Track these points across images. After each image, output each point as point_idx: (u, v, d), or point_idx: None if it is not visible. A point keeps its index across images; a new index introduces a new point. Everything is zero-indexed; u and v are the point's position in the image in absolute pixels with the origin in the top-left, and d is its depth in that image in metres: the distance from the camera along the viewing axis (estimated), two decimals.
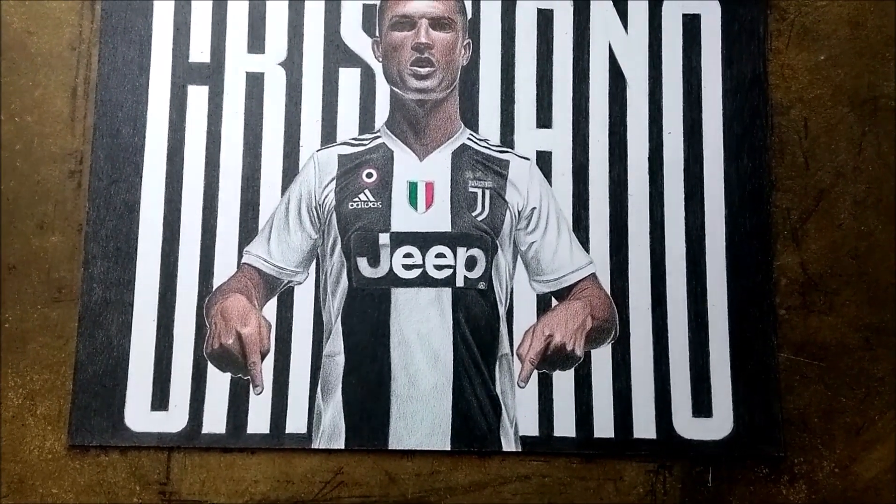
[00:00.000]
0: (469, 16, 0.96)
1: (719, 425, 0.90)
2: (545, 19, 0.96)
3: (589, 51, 0.96)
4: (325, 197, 0.93)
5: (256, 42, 0.95)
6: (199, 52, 0.94)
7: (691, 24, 0.96)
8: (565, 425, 0.90)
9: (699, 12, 0.96)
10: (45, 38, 0.94)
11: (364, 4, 0.95)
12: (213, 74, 0.94)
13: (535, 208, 0.93)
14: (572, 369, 0.90)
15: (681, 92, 0.95)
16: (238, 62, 0.94)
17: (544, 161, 0.94)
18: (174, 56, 0.94)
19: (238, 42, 0.94)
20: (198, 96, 0.94)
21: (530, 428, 0.89)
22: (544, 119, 0.95)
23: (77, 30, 0.94)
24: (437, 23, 0.94)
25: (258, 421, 0.88)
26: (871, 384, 0.92)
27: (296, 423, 0.89)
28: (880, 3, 0.97)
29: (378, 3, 0.95)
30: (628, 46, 0.96)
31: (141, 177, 0.92)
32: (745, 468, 0.90)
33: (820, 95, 0.96)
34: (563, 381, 0.90)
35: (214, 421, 0.88)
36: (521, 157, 0.94)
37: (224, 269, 0.91)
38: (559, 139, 0.94)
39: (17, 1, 0.94)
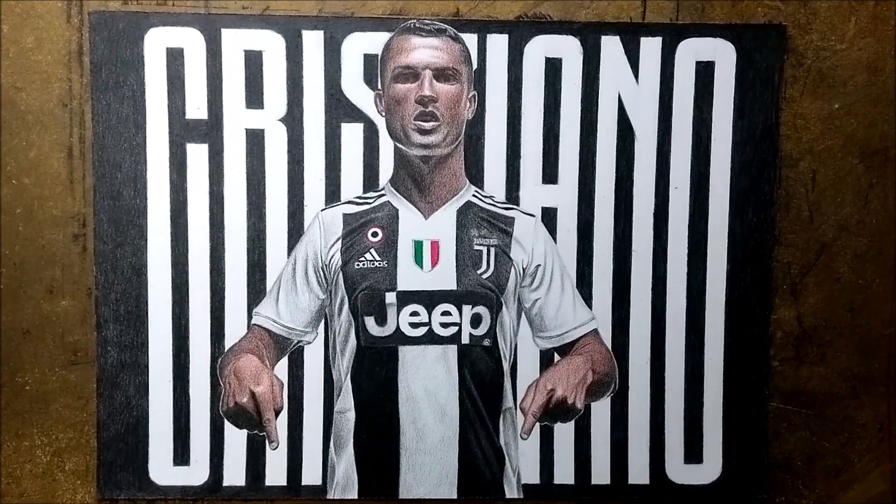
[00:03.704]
0: (475, 66, 0.92)
1: (708, 470, 0.96)
2: (553, 69, 0.92)
3: (597, 102, 0.93)
4: (332, 257, 0.93)
5: (255, 97, 0.91)
6: (196, 107, 0.91)
7: (704, 73, 0.93)
8: (565, 473, 0.95)
9: (713, 59, 0.93)
10: (34, 95, 0.90)
11: (365, 54, 0.91)
12: (211, 131, 0.91)
13: (539, 266, 0.94)
14: (573, 421, 0.95)
15: (690, 145, 0.94)
16: (237, 118, 0.91)
17: (549, 217, 0.94)
18: (170, 112, 0.91)
19: (236, 97, 0.91)
20: (197, 155, 0.92)
21: (532, 476, 0.95)
22: (550, 174, 0.94)
23: (67, 85, 0.90)
24: (441, 74, 0.90)
25: (275, 474, 0.94)
26: (854, 429, 0.97)
27: (311, 475, 0.94)
28: None
29: (380, 53, 0.91)
30: (638, 97, 0.93)
31: (146, 240, 0.92)
32: None
33: (831, 146, 0.95)
34: (564, 433, 0.95)
35: (234, 474, 0.94)
36: (527, 214, 0.94)
37: (234, 329, 0.93)
38: (565, 195, 0.94)
39: (2, 53, 0.90)
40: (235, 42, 0.90)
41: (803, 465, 0.97)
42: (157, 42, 0.90)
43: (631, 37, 0.92)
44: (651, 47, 0.92)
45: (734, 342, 0.95)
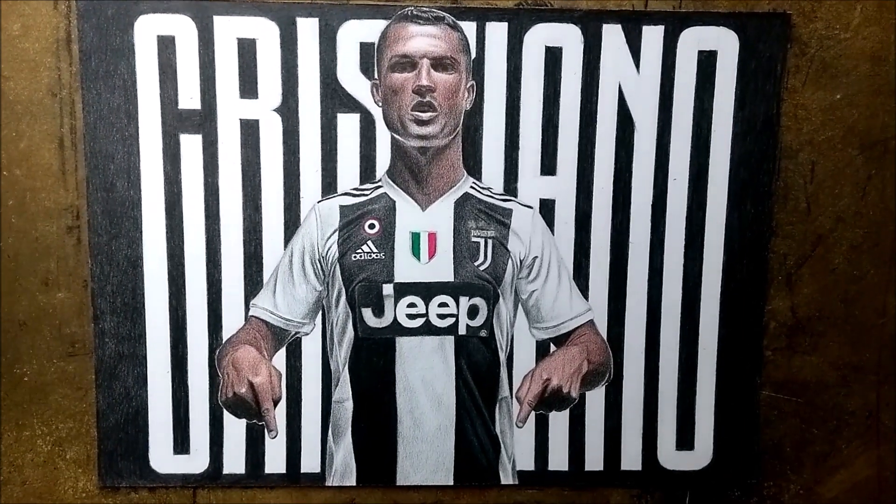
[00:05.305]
0: (473, 55, 0.90)
1: (699, 457, 0.98)
2: (553, 58, 0.91)
3: (598, 93, 0.91)
4: (328, 249, 0.93)
5: (249, 86, 0.89)
6: (189, 97, 0.89)
7: (706, 62, 0.91)
8: (559, 460, 0.97)
9: (716, 48, 0.91)
10: (22, 84, 0.88)
11: (361, 43, 0.89)
12: (205, 122, 0.90)
13: (536, 257, 0.94)
14: (567, 409, 0.96)
15: (690, 136, 0.93)
16: (231, 108, 0.90)
17: (547, 209, 0.94)
18: (162, 102, 0.89)
19: (229, 86, 0.89)
20: (191, 146, 0.90)
21: (527, 463, 0.97)
22: (549, 166, 0.93)
23: (56, 73, 0.88)
24: (439, 63, 0.89)
25: (275, 462, 0.95)
26: (843, 417, 0.99)
27: (310, 463, 0.95)
28: None
29: (376, 41, 0.89)
30: (639, 87, 0.91)
31: (141, 232, 0.91)
32: (720, 491, 1.00)
33: (831, 138, 0.94)
34: (559, 421, 0.97)
35: (234, 463, 0.95)
36: (524, 206, 0.93)
37: (232, 321, 0.93)
38: (563, 186, 0.93)
39: None
40: (228, 30, 0.88)
41: (792, 451, 0.99)
42: (147, 30, 0.88)
43: (633, 25, 0.90)
44: (653, 36, 0.91)
45: (728, 332, 0.96)
